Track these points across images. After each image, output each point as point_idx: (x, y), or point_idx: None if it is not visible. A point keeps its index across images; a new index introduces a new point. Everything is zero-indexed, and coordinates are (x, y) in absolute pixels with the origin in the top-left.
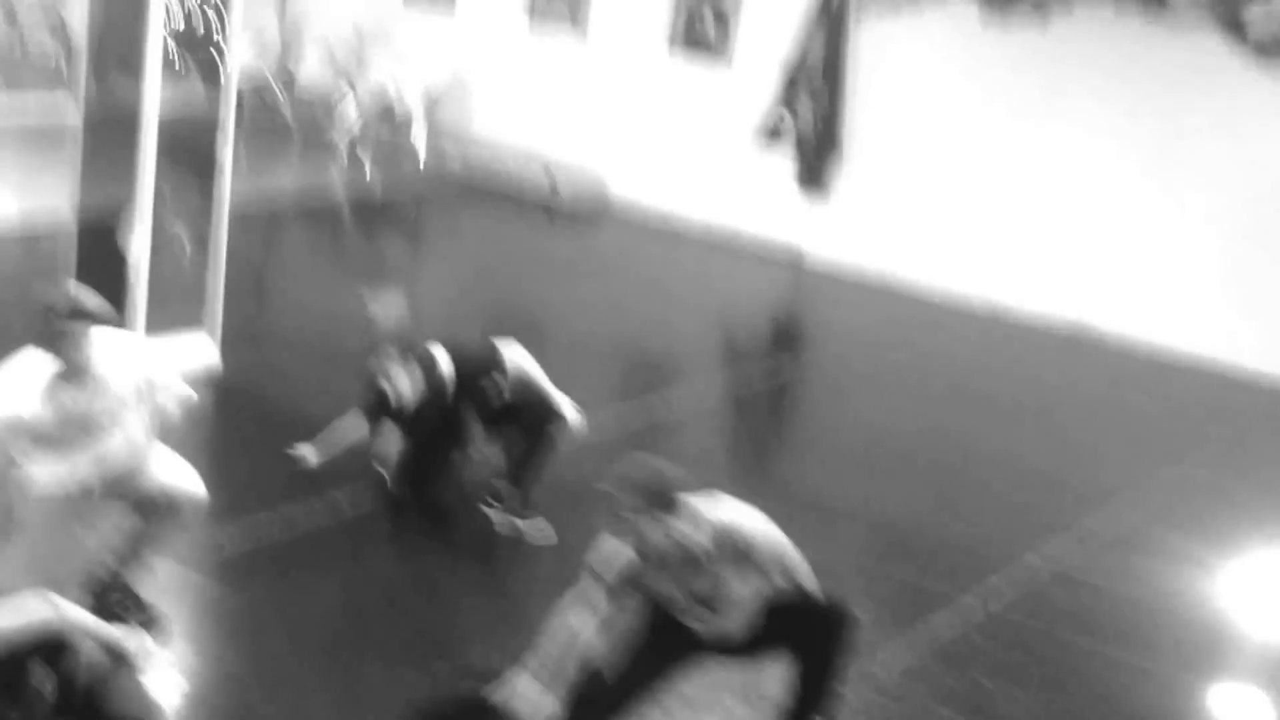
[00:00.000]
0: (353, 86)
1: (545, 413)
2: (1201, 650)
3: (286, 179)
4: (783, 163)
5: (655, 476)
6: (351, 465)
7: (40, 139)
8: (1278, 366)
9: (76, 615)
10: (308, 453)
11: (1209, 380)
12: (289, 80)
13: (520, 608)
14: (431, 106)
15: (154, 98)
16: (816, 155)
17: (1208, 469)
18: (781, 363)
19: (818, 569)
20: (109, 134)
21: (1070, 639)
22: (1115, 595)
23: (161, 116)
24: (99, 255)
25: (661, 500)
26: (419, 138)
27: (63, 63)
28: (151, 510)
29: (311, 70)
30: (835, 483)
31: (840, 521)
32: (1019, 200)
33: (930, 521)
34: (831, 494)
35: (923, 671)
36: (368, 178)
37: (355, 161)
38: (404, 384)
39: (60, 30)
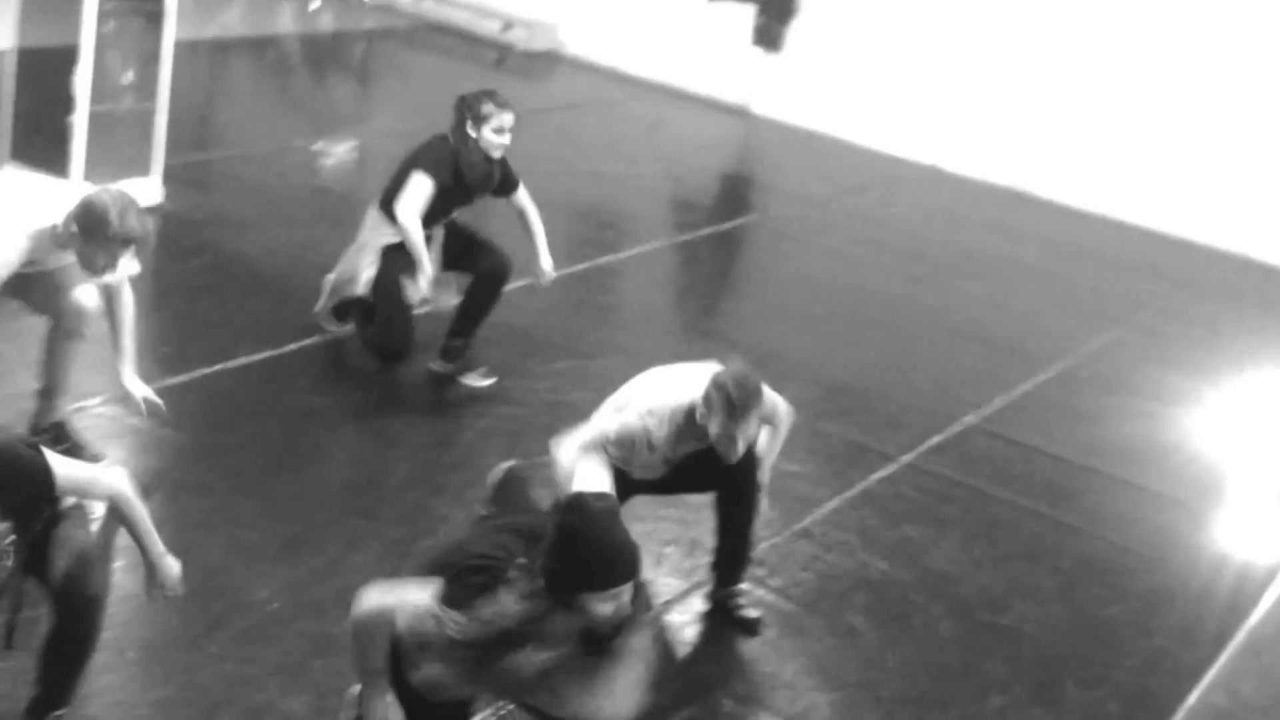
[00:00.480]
0: None
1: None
2: (1125, 508)
3: (232, 15)
4: (736, 18)
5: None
6: (296, 311)
7: None
8: (1214, 232)
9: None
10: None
11: (1147, 245)
12: None
13: (464, 454)
14: None
15: None
16: (776, 14)
17: (1142, 332)
18: (729, 218)
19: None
20: None
21: (999, 495)
22: (1045, 454)
23: None
24: (39, 96)
25: None
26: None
27: None
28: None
29: None
30: (780, 339)
31: (785, 379)
32: (968, 62)
33: (872, 380)
34: (776, 351)
35: (856, 523)
36: (316, 11)
37: None
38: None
39: None
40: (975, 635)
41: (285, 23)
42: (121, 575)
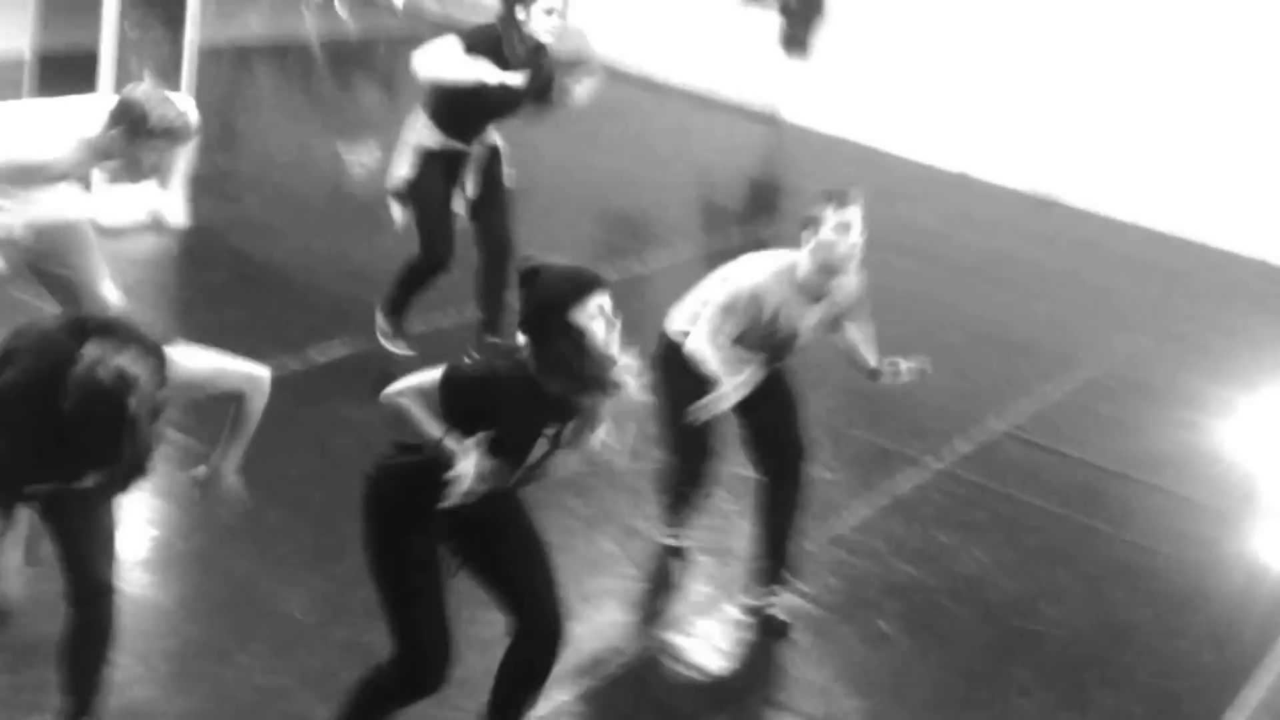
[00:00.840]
0: None
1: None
2: (1153, 513)
3: (256, 20)
4: (764, 24)
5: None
6: (323, 319)
7: None
8: (1243, 239)
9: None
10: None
11: (1176, 251)
12: None
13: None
14: None
15: None
16: (802, 21)
17: (1171, 339)
18: (758, 222)
19: None
20: None
21: (1027, 500)
22: (1073, 459)
23: None
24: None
25: None
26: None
27: None
28: None
29: None
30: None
31: (813, 386)
32: (996, 68)
33: (899, 386)
34: (803, 360)
35: (882, 527)
36: (342, 19)
37: (329, 3)
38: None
39: None
40: (1003, 640)
41: (309, 28)
42: (149, 589)
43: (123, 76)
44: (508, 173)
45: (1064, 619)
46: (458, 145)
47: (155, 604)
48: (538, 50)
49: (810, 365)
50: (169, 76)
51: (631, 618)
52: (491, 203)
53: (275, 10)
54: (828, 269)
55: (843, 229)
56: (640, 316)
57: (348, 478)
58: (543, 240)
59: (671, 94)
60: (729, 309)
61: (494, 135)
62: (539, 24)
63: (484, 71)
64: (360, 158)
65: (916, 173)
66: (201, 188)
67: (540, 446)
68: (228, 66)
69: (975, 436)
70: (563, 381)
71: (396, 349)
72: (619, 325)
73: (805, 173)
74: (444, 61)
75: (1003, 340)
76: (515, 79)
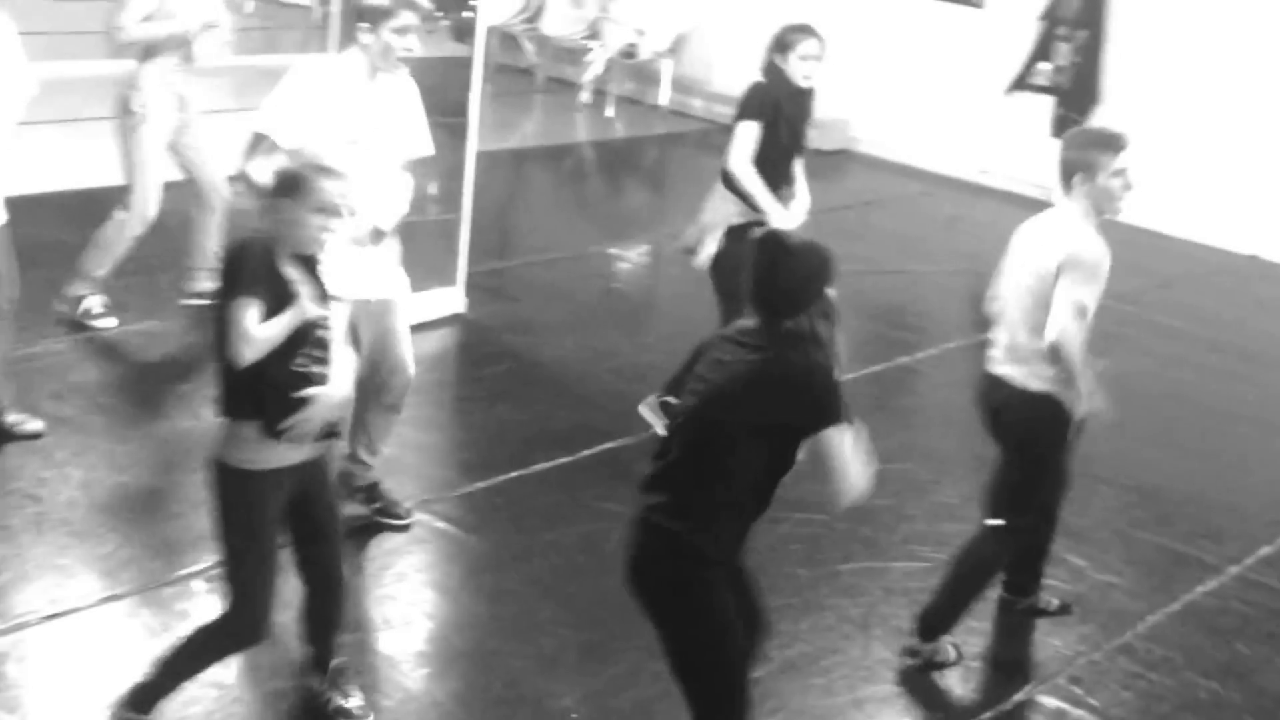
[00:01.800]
0: (597, 34)
1: None
2: None
3: (530, 124)
4: (1034, 109)
5: None
6: (593, 415)
7: None
8: None
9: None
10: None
11: None
12: (535, 28)
13: (759, 562)
14: (674, 52)
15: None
16: (1075, 107)
17: None
18: None
19: (1075, 534)
20: None
21: None
22: None
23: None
24: None
25: None
26: (662, 83)
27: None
28: None
29: (556, 13)
30: (1089, 441)
31: (1097, 485)
32: None
33: (1192, 485)
34: (1085, 453)
35: (1176, 637)
36: (611, 122)
37: (598, 106)
38: None
39: None
40: None
41: (580, 131)
42: (425, 682)
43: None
44: None
45: None
46: (763, 218)
47: (432, 699)
48: (801, 91)
49: (1093, 459)
50: (450, 181)
51: None
52: None
53: (548, 114)
54: (1110, 211)
55: (1120, 174)
56: (910, 409)
57: (615, 573)
58: None
59: (940, 182)
60: (1088, 274)
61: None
62: (797, 69)
63: (767, 204)
64: (630, 255)
65: (1204, 256)
66: (480, 287)
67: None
68: (505, 170)
69: (1276, 540)
70: (808, 352)
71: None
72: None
73: None
74: (745, 162)
75: None
76: (786, 216)
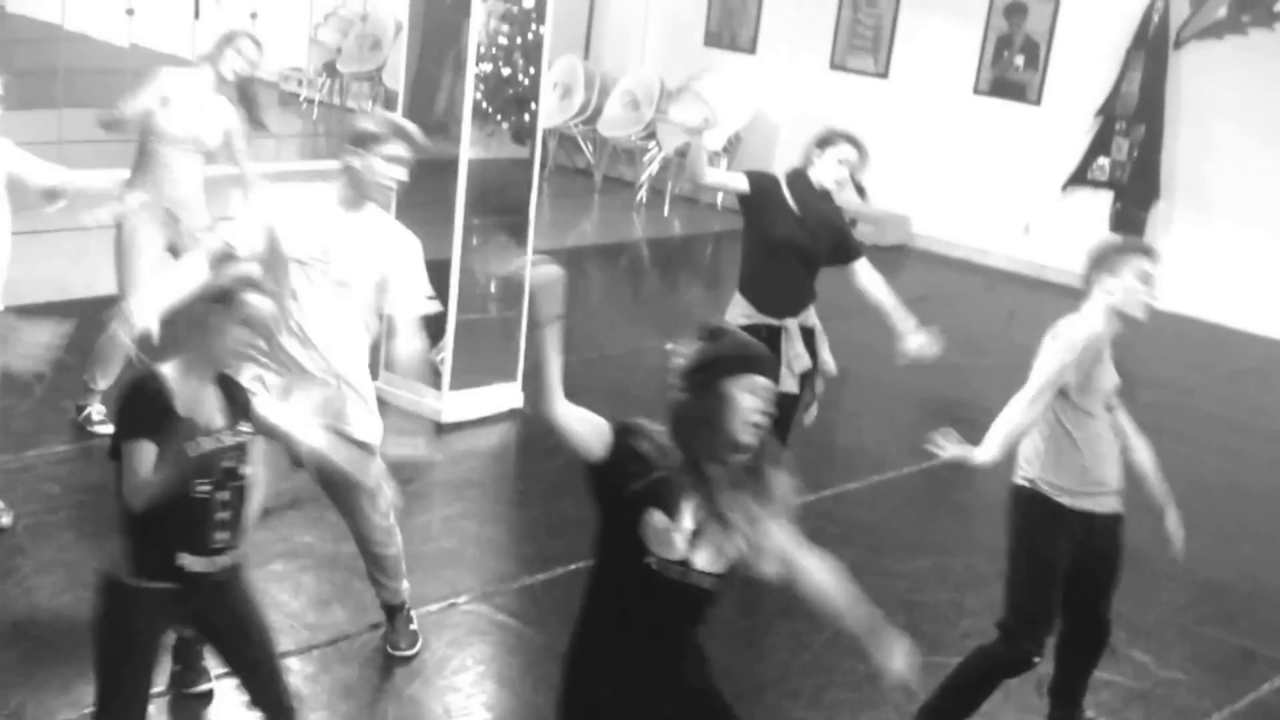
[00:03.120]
0: (653, 132)
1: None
2: None
3: (588, 223)
4: (1093, 204)
5: None
6: None
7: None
8: None
9: None
10: None
11: None
12: (592, 130)
13: (816, 656)
14: (733, 147)
15: (466, 155)
16: (1133, 201)
17: None
18: None
19: (1139, 631)
20: (423, 187)
21: None
22: None
23: (472, 168)
24: None
25: None
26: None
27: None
28: None
29: (613, 115)
30: (1152, 536)
31: (1160, 580)
32: None
33: (1257, 581)
34: (1147, 549)
35: None
36: (667, 220)
37: (655, 205)
38: None
39: (382, 97)
40: None
41: (637, 229)
42: None
43: (467, 280)
44: (825, 359)
45: None
46: (770, 320)
47: None
48: (828, 197)
49: (1156, 554)
50: (510, 279)
51: None
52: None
53: (606, 213)
54: (1129, 318)
55: (1146, 277)
56: (969, 503)
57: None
58: (861, 427)
59: (999, 277)
60: (1067, 346)
61: (812, 316)
62: (827, 171)
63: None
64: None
65: (1264, 349)
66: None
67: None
68: (563, 267)
69: None
70: (684, 439)
71: None
72: (769, 422)
73: (1148, 354)
74: (715, 174)
75: None
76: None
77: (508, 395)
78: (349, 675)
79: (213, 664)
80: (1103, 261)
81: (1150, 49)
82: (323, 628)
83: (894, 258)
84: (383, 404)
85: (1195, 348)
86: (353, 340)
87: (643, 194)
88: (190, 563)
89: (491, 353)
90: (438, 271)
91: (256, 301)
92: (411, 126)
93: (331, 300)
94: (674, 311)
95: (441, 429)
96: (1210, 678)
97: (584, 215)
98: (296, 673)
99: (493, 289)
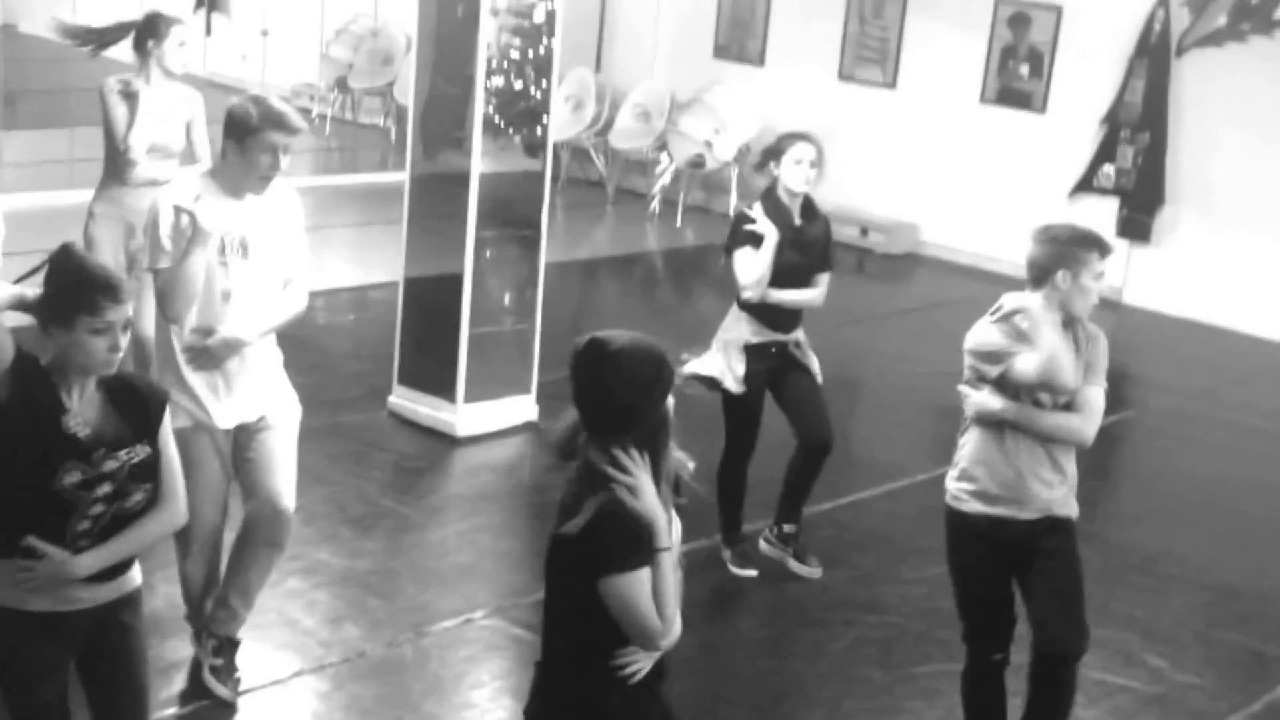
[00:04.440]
0: (664, 144)
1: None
2: None
3: (601, 235)
4: (1099, 210)
5: None
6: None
7: (372, 211)
8: None
9: None
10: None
11: None
12: (604, 142)
13: (834, 665)
14: (743, 159)
15: (478, 169)
16: (1139, 207)
17: None
18: (1105, 414)
19: (1154, 634)
20: (435, 201)
21: None
22: None
23: (483, 181)
24: (425, 322)
25: None
26: (731, 190)
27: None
28: None
29: (625, 127)
30: (1165, 540)
31: (1172, 582)
32: None
33: (1271, 584)
34: (1161, 552)
35: None
36: (680, 230)
37: (668, 216)
38: None
39: (394, 112)
40: None
41: (650, 240)
42: None
43: (479, 294)
44: (814, 368)
45: None
46: (780, 337)
47: None
48: (793, 195)
49: (1170, 558)
50: (523, 291)
51: None
52: (798, 401)
53: (618, 225)
54: (1078, 315)
55: (1100, 276)
56: None
57: (686, 680)
58: (874, 434)
59: (1007, 284)
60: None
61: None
62: (790, 175)
63: (768, 240)
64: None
65: (1275, 352)
66: (552, 395)
67: None
68: (577, 280)
69: None
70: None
71: (744, 573)
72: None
73: (1152, 357)
74: (752, 275)
75: None
76: (772, 231)
77: (522, 408)
78: (363, 692)
79: (243, 674)
80: (1064, 259)
81: (1152, 57)
82: (336, 644)
83: (903, 265)
84: (399, 417)
85: (1204, 352)
86: (266, 317)
87: (655, 205)
88: (39, 545)
89: (506, 366)
90: (451, 285)
91: (106, 304)
92: (291, 112)
93: (245, 279)
94: (688, 322)
95: (456, 442)
96: (1225, 681)
97: (597, 227)
98: (311, 690)
99: (506, 301)
